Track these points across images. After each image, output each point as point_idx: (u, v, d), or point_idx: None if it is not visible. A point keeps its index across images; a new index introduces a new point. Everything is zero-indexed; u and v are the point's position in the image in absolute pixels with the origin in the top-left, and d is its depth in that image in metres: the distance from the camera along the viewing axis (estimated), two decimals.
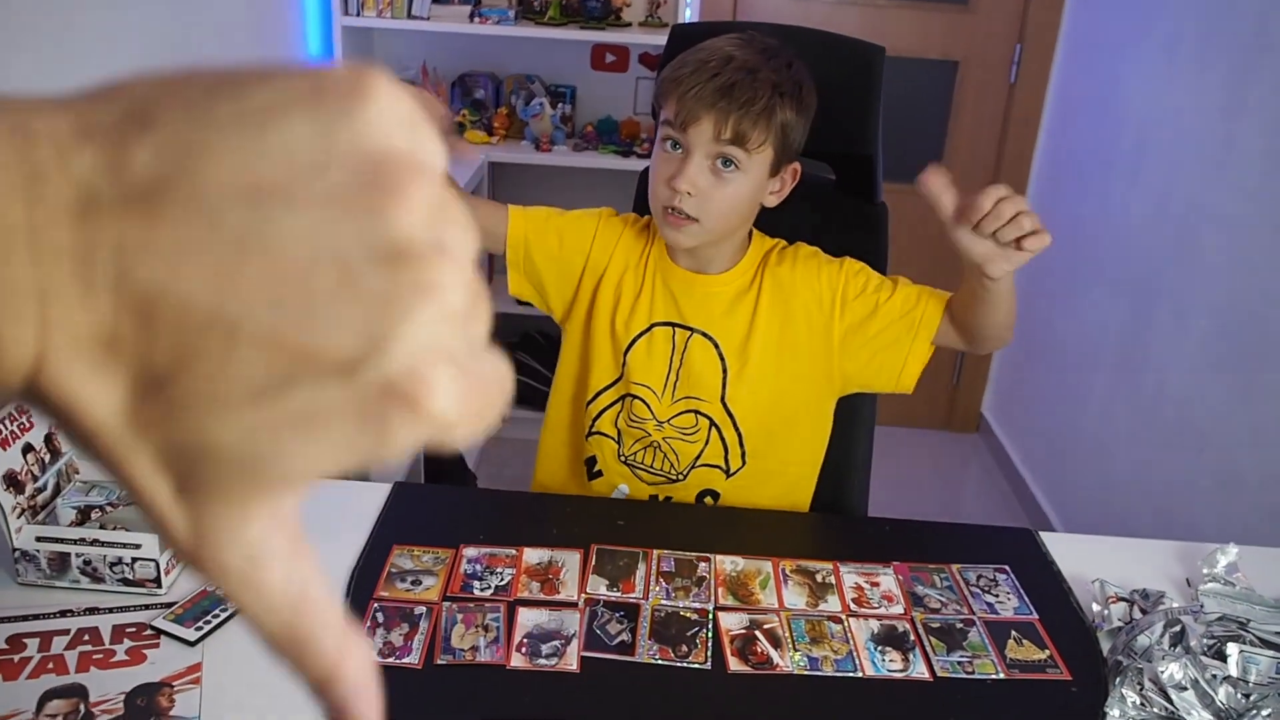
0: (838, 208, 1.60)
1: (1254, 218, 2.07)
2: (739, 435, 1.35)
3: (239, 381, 0.23)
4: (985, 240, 1.12)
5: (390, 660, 0.97)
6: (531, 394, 3.27)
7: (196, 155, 0.23)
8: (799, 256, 1.35)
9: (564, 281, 1.38)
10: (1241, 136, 2.14)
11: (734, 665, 1.00)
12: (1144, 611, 1.09)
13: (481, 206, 1.43)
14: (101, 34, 1.76)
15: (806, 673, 1.00)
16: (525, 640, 1.01)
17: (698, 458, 1.36)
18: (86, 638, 0.98)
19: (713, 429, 1.35)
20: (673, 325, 1.34)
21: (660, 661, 1.00)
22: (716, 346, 1.33)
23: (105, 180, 0.23)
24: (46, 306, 0.22)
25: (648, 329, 1.35)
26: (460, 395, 0.24)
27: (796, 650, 1.02)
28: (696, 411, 1.35)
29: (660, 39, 2.71)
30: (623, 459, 1.39)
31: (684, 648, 1.02)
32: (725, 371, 1.33)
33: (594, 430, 1.39)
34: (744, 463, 1.35)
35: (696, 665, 1.00)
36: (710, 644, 1.02)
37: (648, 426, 1.36)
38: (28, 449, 1.06)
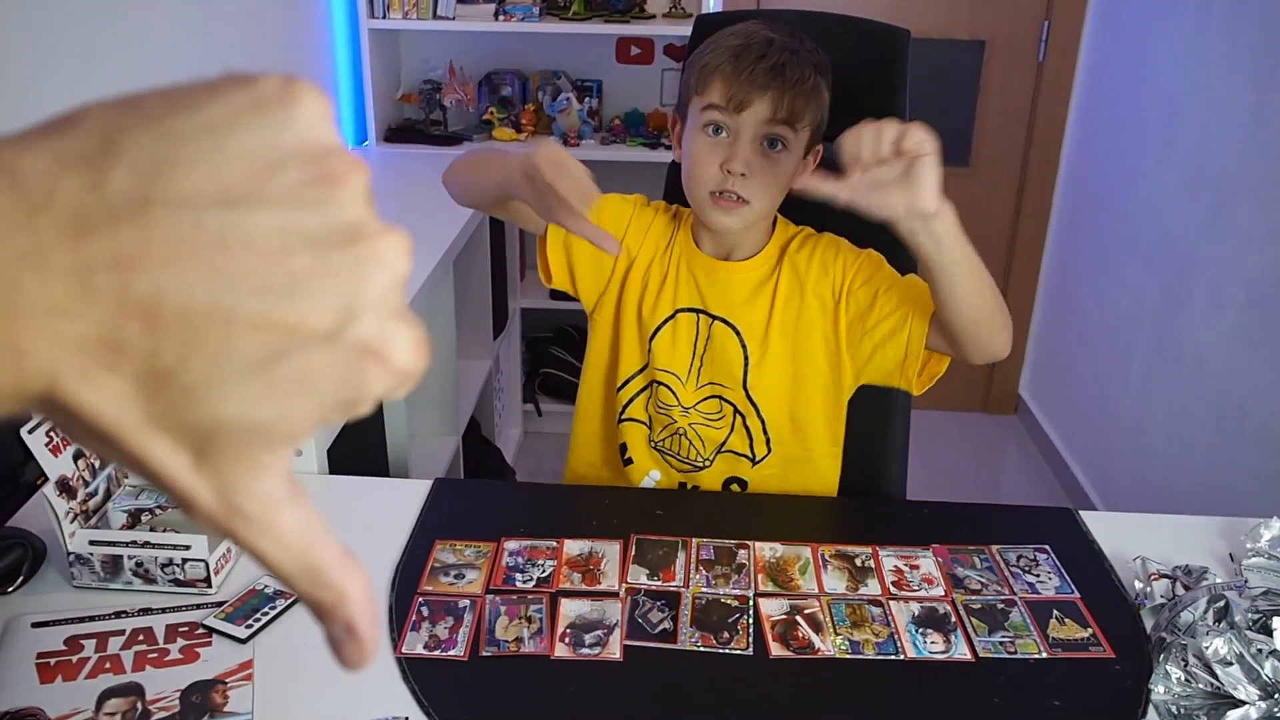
0: None
1: None
2: (762, 423, 1.35)
3: (240, 361, 0.26)
4: (882, 189, 1.02)
5: (436, 653, 0.98)
6: (565, 388, 3.29)
7: (168, 169, 0.26)
8: (820, 245, 1.34)
9: (598, 267, 1.39)
10: (1273, 105, 2.11)
11: (775, 650, 1.01)
12: (1187, 588, 1.08)
13: None
14: (132, 40, 1.79)
15: (848, 656, 1.00)
16: (568, 631, 1.02)
17: (722, 444, 1.37)
18: (141, 638, 1.00)
19: (737, 415, 1.35)
20: (696, 312, 1.34)
21: (702, 649, 1.00)
22: (738, 334, 1.33)
23: (91, 203, 0.25)
24: (55, 322, 0.25)
25: (672, 315, 1.35)
26: (413, 347, 0.29)
27: (838, 634, 1.03)
28: (720, 398, 1.35)
29: (684, 30, 2.71)
30: (653, 444, 1.40)
31: (725, 634, 1.02)
32: (747, 359, 1.33)
33: (625, 417, 1.40)
34: (769, 450, 1.36)
35: (738, 651, 1.00)
36: (751, 630, 1.03)
37: (674, 413, 1.37)
38: (78, 455, 1.08)
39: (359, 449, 1.55)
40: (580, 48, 3.13)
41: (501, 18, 2.89)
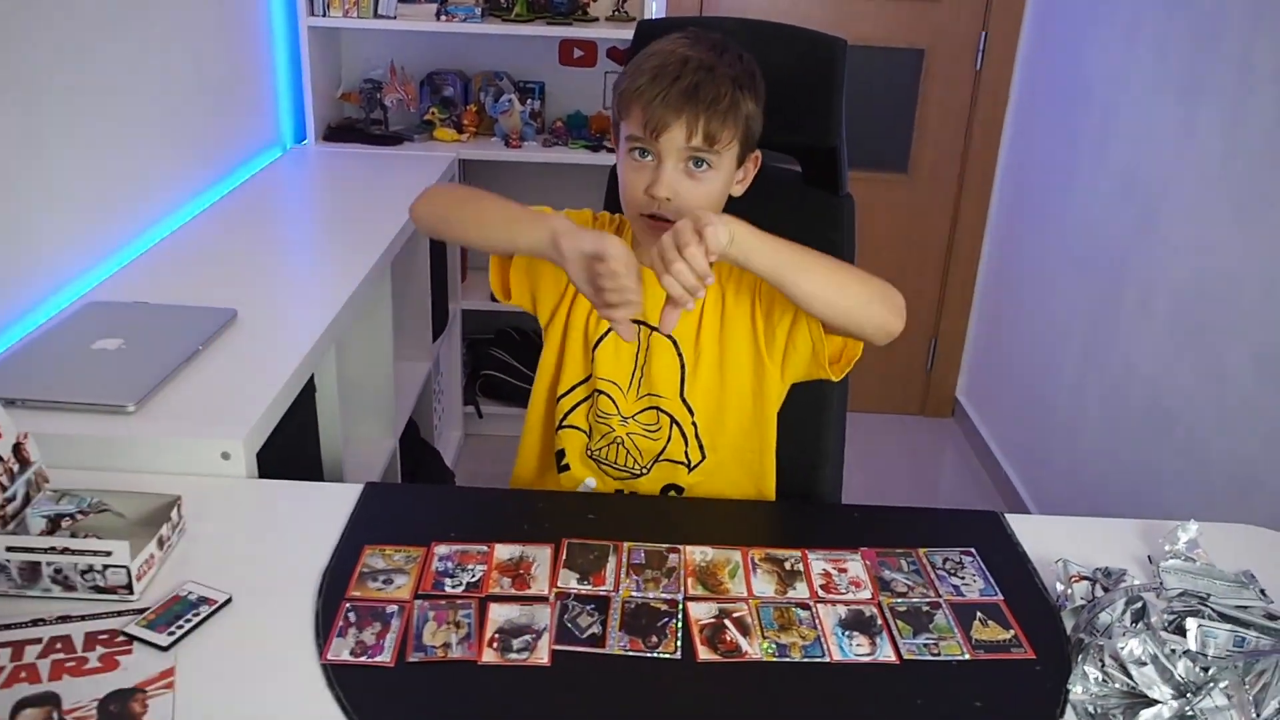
0: (804, 200, 1.61)
1: (1214, 198, 2.10)
2: (695, 428, 1.36)
3: None
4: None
5: (362, 659, 0.97)
6: (508, 390, 3.28)
7: None
8: None
9: (555, 285, 1.40)
10: (1201, 118, 2.17)
11: (703, 654, 1.01)
12: (1106, 589, 1.11)
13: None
14: (73, 36, 1.75)
15: (775, 659, 1.01)
16: (496, 635, 1.01)
17: (660, 454, 1.38)
18: (59, 646, 0.98)
19: (673, 425, 1.37)
20: (638, 324, 1.35)
21: (630, 653, 1.01)
22: (674, 343, 1.34)
23: None
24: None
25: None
26: None
27: (765, 638, 1.04)
28: (658, 409, 1.36)
29: (627, 33, 2.72)
30: (590, 453, 1.40)
31: (654, 638, 1.03)
32: (683, 367, 1.34)
33: (564, 424, 1.41)
34: (703, 456, 1.37)
35: (666, 655, 1.01)
36: (680, 634, 1.03)
37: (613, 423, 1.37)
38: None
39: (291, 453, 1.54)
40: (523, 49, 3.12)
41: (443, 18, 2.87)
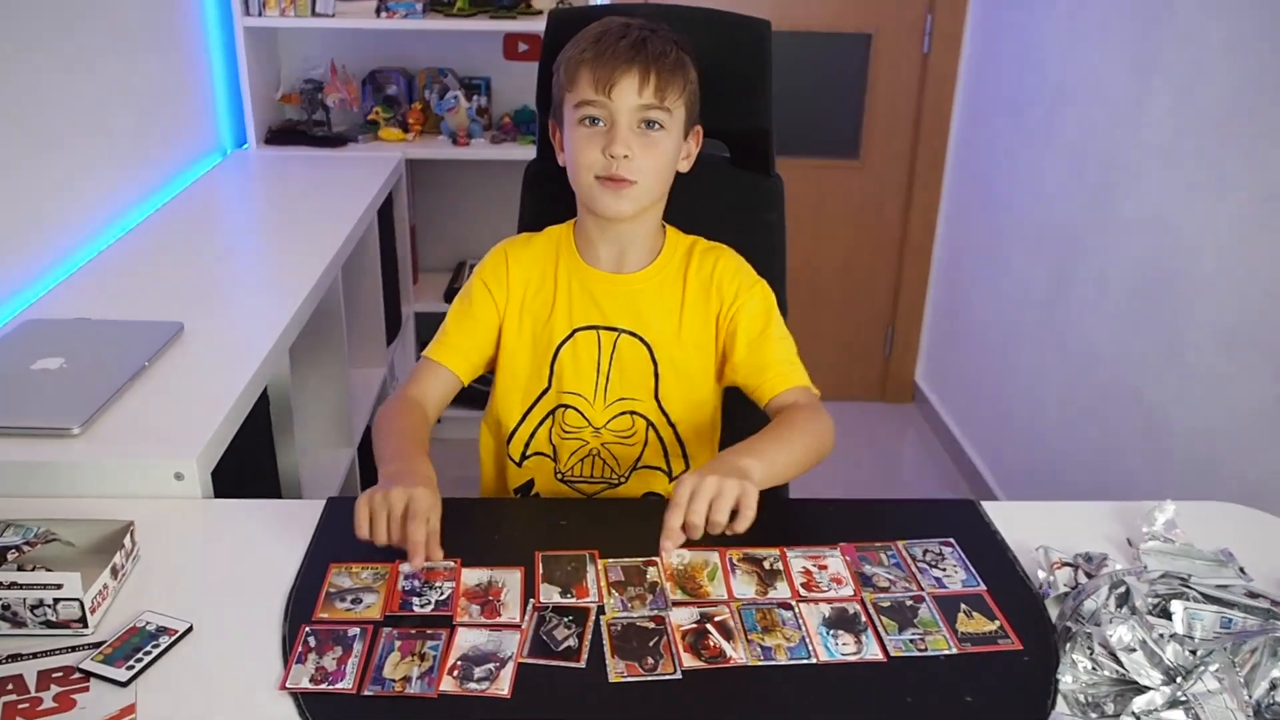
0: (734, 183, 1.60)
1: (1166, 174, 2.11)
2: (676, 434, 1.34)
3: None
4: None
5: (323, 686, 0.93)
6: (465, 393, 3.22)
7: None
8: (721, 258, 1.35)
9: (493, 336, 1.38)
10: (1151, 94, 2.17)
11: (687, 661, 0.98)
12: (1089, 575, 1.09)
13: (425, 403, 1.40)
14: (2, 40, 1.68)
15: (760, 663, 0.98)
16: (459, 663, 0.96)
17: (637, 460, 1.35)
18: (10, 687, 0.93)
19: (650, 429, 1.34)
20: (596, 328, 1.32)
21: (629, 679, 0.96)
22: (646, 345, 1.31)
23: None
24: None
25: (569, 335, 1.33)
26: None
27: (749, 641, 1.01)
28: (633, 413, 1.33)
29: None
30: (560, 476, 1.37)
31: (649, 660, 0.98)
32: (657, 369, 1.32)
33: (529, 453, 1.38)
34: (686, 466, 1.35)
35: (667, 676, 0.96)
36: (675, 649, 1.00)
37: (584, 435, 1.34)
38: None
39: (247, 470, 1.49)
40: (467, 44, 3.07)
41: (384, 14, 2.81)
